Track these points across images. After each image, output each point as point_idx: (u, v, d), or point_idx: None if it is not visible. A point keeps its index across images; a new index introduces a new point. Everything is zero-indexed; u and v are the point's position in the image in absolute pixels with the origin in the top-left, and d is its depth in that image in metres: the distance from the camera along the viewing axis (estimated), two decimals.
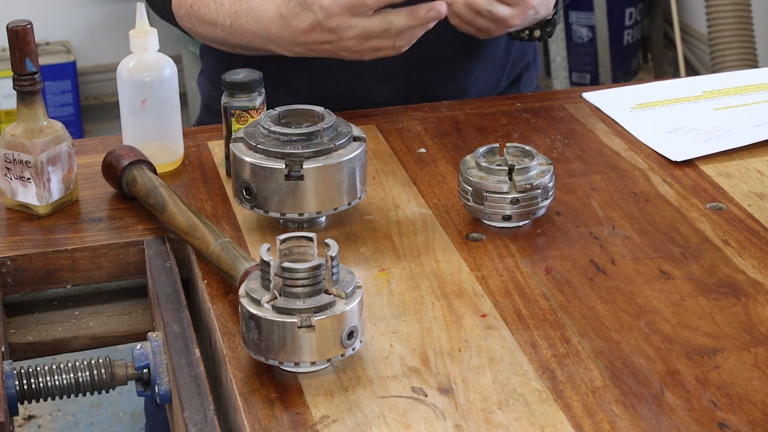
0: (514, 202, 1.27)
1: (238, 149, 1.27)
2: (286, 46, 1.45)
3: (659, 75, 4.00)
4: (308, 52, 1.44)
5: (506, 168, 1.28)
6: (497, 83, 1.68)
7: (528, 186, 1.27)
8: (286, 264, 1.04)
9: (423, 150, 1.48)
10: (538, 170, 1.29)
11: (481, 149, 1.31)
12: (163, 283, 1.23)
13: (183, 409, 1.05)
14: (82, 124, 3.78)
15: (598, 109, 1.59)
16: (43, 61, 3.61)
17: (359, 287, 1.07)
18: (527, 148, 1.31)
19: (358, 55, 1.42)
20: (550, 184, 1.29)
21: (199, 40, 1.57)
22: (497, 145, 1.32)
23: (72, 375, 1.16)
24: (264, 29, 1.45)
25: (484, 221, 1.31)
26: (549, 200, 1.29)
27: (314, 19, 1.39)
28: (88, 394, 1.17)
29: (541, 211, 1.30)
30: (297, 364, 1.05)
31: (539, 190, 1.27)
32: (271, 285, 1.05)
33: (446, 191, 1.38)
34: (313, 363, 1.05)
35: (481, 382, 1.06)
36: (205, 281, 1.21)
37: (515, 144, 1.32)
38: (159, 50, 1.41)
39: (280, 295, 1.05)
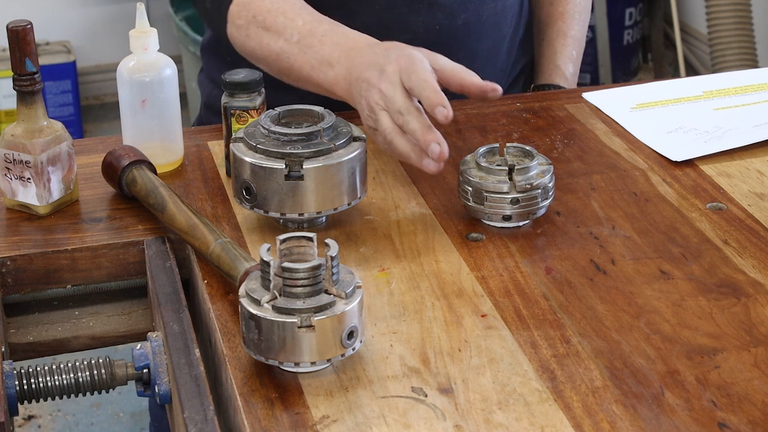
0: (514, 202, 1.27)
1: (238, 149, 1.27)
2: (342, 72, 1.39)
3: (659, 75, 4.00)
4: (344, 92, 1.39)
5: (506, 168, 1.28)
6: None
7: (528, 186, 1.27)
8: (286, 264, 1.04)
9: None
10: (538, 170, 1.29)
11: (481, 149, 1.31)
12: (163, 283, 1.23)
13: (183, 409, 1.05)
14: (82, 124, 3.78)
15: (598, 109, 1.59)
16: (43, 61, 3.61)
17: (359, 287, 1.07)
18: (527, 148, 1.31)
19: (363, 112, 1.35)
20: (550, 184, 1.29)
21: (245, 54, 1.52)
22: (497, 145, 1.32)
23: (72, 375, 1.16)
24: (340, 48, 1.39)
25: (484, 221, 1.31)
26: (549, 200, 1.29)
27: (385, 60, 1.32)
28: (88, 394, 1.17)
29: (541, 211, 1.30)
30: (297, 364, 1.05)
31: (539, 190, 1.28)
32: (271, 285, 1.05)
33: (446, 191, 1.38)
34: (313, 363, 1.05)
35: (481, 382, 1.06)
36: (205, 281, 1.21)
37: (515, 144, 1.32)
38: (159, 50, 1.41)
39: (280, 295, 1.05)
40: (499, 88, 1.31)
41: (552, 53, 1.72)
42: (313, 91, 1.45)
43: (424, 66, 1.30)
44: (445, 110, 1.25)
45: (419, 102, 1.29)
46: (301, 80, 1.45)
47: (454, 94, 1.64)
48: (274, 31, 1.46)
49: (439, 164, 1.27)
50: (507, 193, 1.27)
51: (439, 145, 1.25)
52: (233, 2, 1.49)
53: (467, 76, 1.32)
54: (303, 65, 1.43)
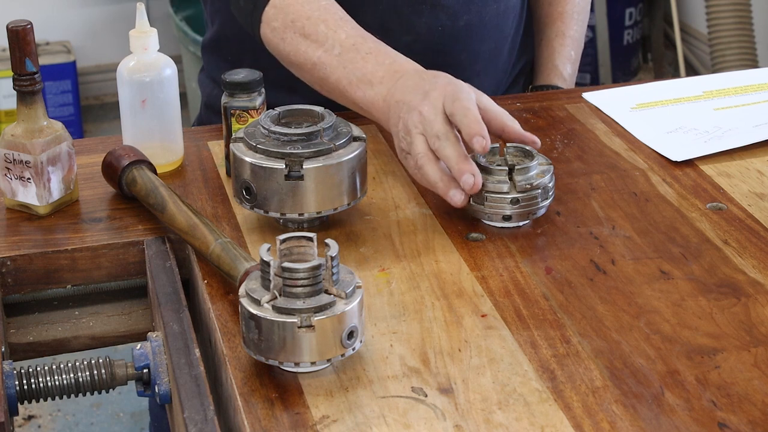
0: (514, 202, 1.27)
1: (238, 149, 1.27)
2: (382, 92, 1.36)
3: (659, 75, 4.00)
4: (380, 113, 1.37)
5: (506, 168, 1.28)
6: (497, 88, 1.69)
7: (528, 186, 1.27)
8: (286, 264, 1.04)
9: None
10: (538, 170, 1.29)
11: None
12: (163, 283, 1.23)
13: (183, 409, 1.05)
14: (82, 124, 3.78)
15: (598, 109, 1.59)
16: (43, 61, 3.61)
17: (359, 287, 1.07)
18: (527, 148, 1.31)
19: (398, 134, 1.32)
20: (550, 184, 1.29)
21: (278, 57, 1.48)
22: (497, 145, 1.32)
23: (72, 375, 1.16)
24: (384, 68, 1.37)
25: (484, 221, 1.31)
26: (549, 200, 1.30)
27: (430, 86, 1.31)
28: (88, 394, 1.17)
29: (541, 211, 1.30)
30: (297, 364, 1.05)
31: (539, 190, 1.28)
32: (271, 285, 1.05)
33: None
34: (313, 363, 1.05)
35: (481, 382, 1.06)
36: (205, 281, 1.21)
37: (515, 144, 1.32)
38: (159, 50, 1.41)
39: (280, 295, 1.05)
40: (538, 141, 1.30)
41: (550, 53, 1.72)
42: (345, 106, 1.43)
43: (470, 96, 1.29)
44: (483, 141, 1.25)
45: (458, 130, 1.28)
46: (334, 93, 1.43)
47: None
48: (313, 40, 1.43)
49: (465, 197, 1.27)
50: (507, 193, 1.27)
51: (473, 177, 1.25)
52: (269, 3, 1.46)
53: (509, 122, 1.31)
54: (341, 79, 1.40)
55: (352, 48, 1.40)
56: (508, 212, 1.28)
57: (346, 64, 1.40)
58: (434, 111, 1.28)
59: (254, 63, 1.49)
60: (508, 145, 1.32)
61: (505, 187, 1.27)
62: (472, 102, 1.28)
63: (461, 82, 1.32)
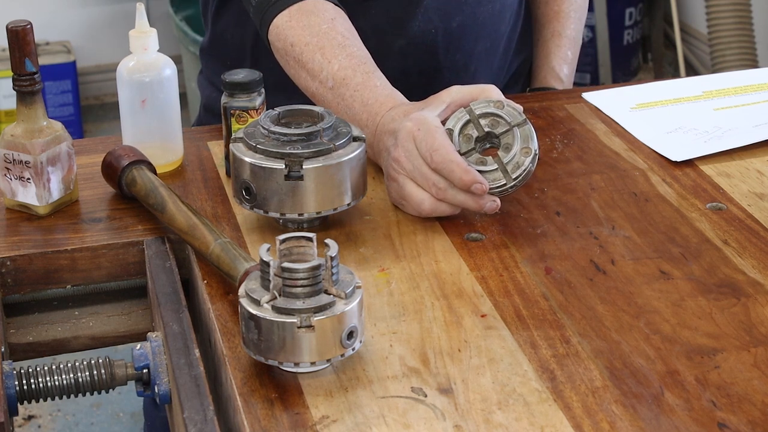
0: (513, 186, 1.29)
1: (238, 149, 1.27)
2: (369, 137, 1.36)
3: (659, 75, 4.00)
4: (372, 157, 1.37)
5: (496, 166, 1.29)
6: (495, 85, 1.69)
7: (524, 172, 1.28)
8: (285, 264, 1.04)
9: None
10: (520, 147, 1.29)
11: (455, 135, 1.30)
12: (163, 283, 1.23)
13: (183, 409, 1.05)
14: (82, 124, 3.78)
15: (598, 109, 1.59)
16: (43, 61, 3.61)
17: (359, 287, 1.07)
18: (493, 109, 1.30)
19: (386, 180, 1.34)
20: (534, 149, 1.29)
21: (285, 71, 1.48)
22: (468, 118, 1.31)
23: (72, 375, 1.16)
24: (367, 110, 1.37)
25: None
26: (537, 157, 1.30)
27: (398, 126, 1.31)
28: (88, 394, 1.17)
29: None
30: (297, 365, 1.05)
31: (531, 165, 1.28)
32: (271, 285, 1.05)
33: None
34: (312, 363, 1.05)
35: (480, 382, 1.06)
36: (205, 281, 1.21)
37: (480, 104, 1.31)
38: (159, 50, 1.41)
39: (279, 295, 1.05)
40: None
41: (546, 54, 1.71)
42: None
43: (443, 138, 1.28)
44: (481, 185, 1.26)
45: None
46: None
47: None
48: (309, 70, 1.41)
49: (494, 204, 1.29)
50: (505, 185, 1.28)
51: (495, 202, 1.28)
52: (273, 23, 1.45)
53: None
54: (337, 113, 1.39)
55: (343, 83, 1.39)
56: (510, 191, 1.30)
57: (338, 100, 1.39)
58: (408, 155, 1.28)
59: (253, 67, 1.49)
60: (474, 107, 1.31)
61: (501, 181, 1.28)
62: (450, 148, 1.27)
63: (427, 116, 1.30)
